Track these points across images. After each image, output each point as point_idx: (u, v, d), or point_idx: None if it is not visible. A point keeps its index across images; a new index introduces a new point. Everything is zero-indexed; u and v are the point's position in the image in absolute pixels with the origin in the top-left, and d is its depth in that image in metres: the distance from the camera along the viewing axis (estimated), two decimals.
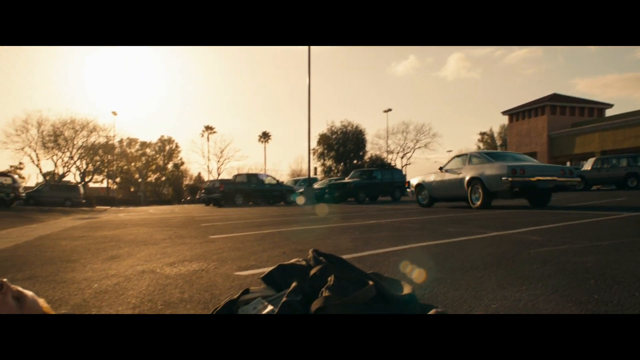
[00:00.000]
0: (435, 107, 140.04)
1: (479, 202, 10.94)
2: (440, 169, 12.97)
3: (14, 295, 1.48)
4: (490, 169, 10.71)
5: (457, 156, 12.78)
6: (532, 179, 10.06)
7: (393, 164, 62.24)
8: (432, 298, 2.43)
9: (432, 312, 1.38)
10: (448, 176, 12.36)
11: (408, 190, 15.90)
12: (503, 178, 10.11)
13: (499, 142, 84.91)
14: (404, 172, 28.73)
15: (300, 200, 4.86)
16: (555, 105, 50.61)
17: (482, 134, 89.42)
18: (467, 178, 11.33)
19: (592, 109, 52.29)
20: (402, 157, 70.80)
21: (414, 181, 14.38)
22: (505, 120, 59.20)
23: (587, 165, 25.76)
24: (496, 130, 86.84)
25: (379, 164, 52.62)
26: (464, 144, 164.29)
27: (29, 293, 1.54)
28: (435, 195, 13.17)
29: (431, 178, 13.19)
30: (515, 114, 55.66)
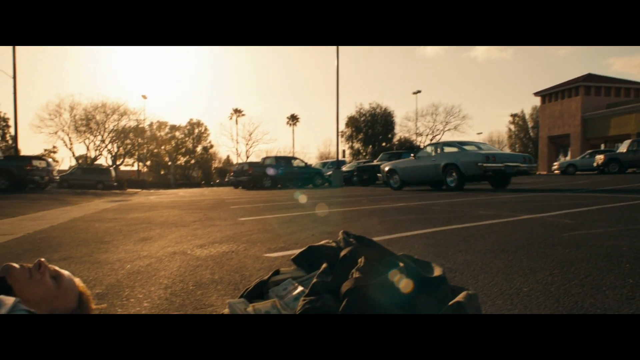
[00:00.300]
0: (466, 88, 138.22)
1: (454, 184, 12.64)
2: (414, 156, 14.63)
3: (51, 274, 1.52)
4: (466, 156, 12.45)
5: (429, 145, 14.74)
6: (501, 165, 11.88)
7: (422, 146, 61.73)
8: (462, 281, 2.41)
9: (463, 294, 1.36)
10: (421, 162, 13.99)
11: (379, 175, 17.73)
12: (479, 164, 11.84)
13: (530, 124, 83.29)
14: None
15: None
16: (590, 86, 49.28)
17: (513, 115, 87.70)
18: (442, 164, 12.95)
19: (629, 90, 50.66)
20: (431, 140, 70.07)
21: (385, 166, 15.90)
22: (537, 101, 57.95)
23: (623, 148, 25.14)
24: (527, 112, 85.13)
25: (408, 146, 52.29)
26: (494, 126, 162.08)
27: (65, 273, 1.58)
28: (406, 180, 14.79)
29: (403, 164, 14.86)
30: (547, 95, 54.43)
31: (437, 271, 1.56)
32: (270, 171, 13.43)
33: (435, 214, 5.92)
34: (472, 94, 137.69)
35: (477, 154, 12.27)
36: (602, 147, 45.67)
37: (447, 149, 13.49)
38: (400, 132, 66.66)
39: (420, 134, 68.32)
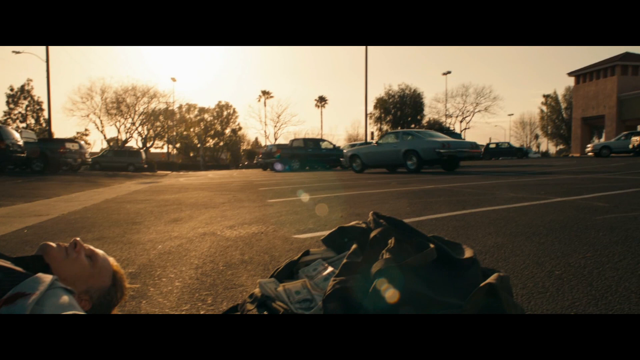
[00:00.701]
0: (497, 69, 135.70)
1: (413, 167, 14.82)
2: (377, 143, 16.81)
3: (86, 253, 1.56)
4: (425, 144, 14.53)
5: (389, 133, 16.84)
6: (454, 150, 14.03)
7: (452, 128, 60.98)
8: (492, 263, 2.39)
9: (494, 276, 1.35)
10: (383, 148, 16.10)
11: (342, 159, 19.83)
12: (436, 150, 13.98)
13: (563, 105, 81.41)
14: (463, 137, 28.12)
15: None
16: (627, 65, 47.88)
17: (546, 96, 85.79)
18: (403, 150, 15.07)
19: None
20: (461, 121, 69.18)
21: (348, 152, 18.00)
22: (571, 81, 56.81)
23: None
24: (561, 92, 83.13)
25: (437, 128, 51.73)
26: (525, 107, 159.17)
27: (100, 252, 1.61)
28: (367, 163, 16.94)
29: (365, 150, 17.00)
30: (582, 75, 53.15)
31: (468, 253, 1.54)
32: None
33: (465, 196, 5.87)
34: (503, 75, 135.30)
35: (435, 141, 14.35)
36: (639, 128, 44.45)
37: (407, 137, 15.66)
38: (430, 113, 66.02)
39: (450, 116, 67.60)
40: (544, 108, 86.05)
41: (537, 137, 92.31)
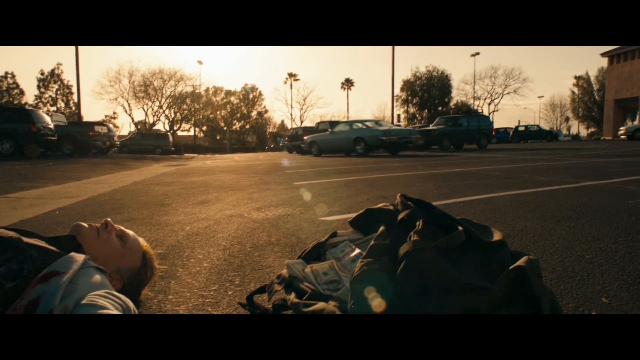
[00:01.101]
0: (527, 49, 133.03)
1: (362, 152, 17.51)
2: (331, 131, 19.52)
3: (117, 233, 1.58)
4: (370, 132, 17.40)
5: (342, 122, 20.38)
6: (395, 137, 16.96)
7: (480, 110, 60.14)
8: (521, 247, 2.37)
9: (524, 259, 1.33)
10: (337, 136, 18.88)
11: (302, 145, 23.58)
12: (379, 137, 16.81)
13: (595, 87, 79.36)
14: (491, 119, 27.73)
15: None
16: None
17: (577, 77, 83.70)
18: (353, 137, 17.89)
19: None
20: (489, 104, 68.14)
21: (308, 139, 21.19)
22: (604, 62, 55.38)
23: None
24: (593, 73, 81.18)
25: (465, 110, 51.09)
26: (556, 89, 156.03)
27: (130, 232, 1.64)
28: (323, 149, 19.87)
29: (322, 137, 19.94)
30: (616, 56, 51.72)
31: (497, 235, 1.53)
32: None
33: (493, 180, 5.80)
34: (533, 56, 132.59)
35: (379, 130, 17.23)
36: None
37: (356, 126, 18.48)
38: (457, 95, 65.27)
39: (478, 98, 66.64)
40: (575, 90, 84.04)
41: (567, 119, 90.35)
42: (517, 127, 45.35)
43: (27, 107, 31.57)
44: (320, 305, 1.24)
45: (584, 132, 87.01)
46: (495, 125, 42.73)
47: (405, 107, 64.02)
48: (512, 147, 24.50)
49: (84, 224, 1.50)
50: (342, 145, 18.76)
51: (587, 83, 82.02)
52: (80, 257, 1.28)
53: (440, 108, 60.74)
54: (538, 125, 47.07)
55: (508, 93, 67.98)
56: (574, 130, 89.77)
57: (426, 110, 61.88)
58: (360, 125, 18.45)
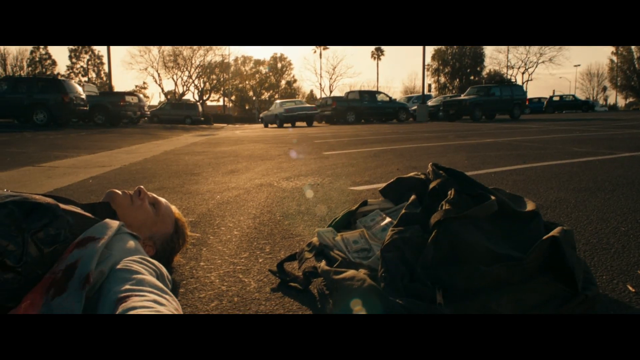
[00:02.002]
0: None
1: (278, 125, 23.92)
2: (268, 110, 26.51)
3: (150, 201, 1.60)
4: (280, 109, 23.94)
5: (277, 100, 27.06)
6: (302, 113, 23.44)
7: (513, 80, 58.79)
8: (554, 218, 2.33)
9: (558, 229, 1.31)
10: (272, 112, 25.36)
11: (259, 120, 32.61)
12: (285, 113, 23.19)
13: (636, 54, 76.37)
14: (525, 89, 27.11)
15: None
16: None
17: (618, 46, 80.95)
18: (276, 113, 24.21)
19: None
20: (523, 73, 66.50)
21: (262, 115, 28.74)
22: None
23: None
24: None
25: (498, 80, 50.03)
26: (594, 58, 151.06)
27: (163, 200, 1.66)
28: (267, 122, 26.73)
29: (266, 114, 27.11)
30: None
31: (530, 205, 1.50)
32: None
33: (525, 150, 5.70)
34: None
35: (285, 107, 23.70)
36: None
37: (278, 104, 25.11)
38: (490, 65, 64.18)
39: (512, 67, 65.10)
40: (614, 58, 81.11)
41: (604, 89, 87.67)
42: (551, 97, 44.34)
43: (59, 77, 31.97)
44: (351, 272, 1.24)
45: (621, 103, 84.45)
46: (529, 95, 41.70)
47: (437, 77, 63.08)
48: (546, 117, 24.01)
49: (117, 191, 1.52)
50: (271, 120, 25.45)
51: (627, 51, 79.04)
52: (114, 224, 1.30)
53: (472, 77, 59.69)
54: (573, 95, 45.87)
55: (543, 62, 66.38)
56: (611, 101, 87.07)
57: (457, 80, 60.89)
58: (281, 103, 25.31)
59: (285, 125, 23.64)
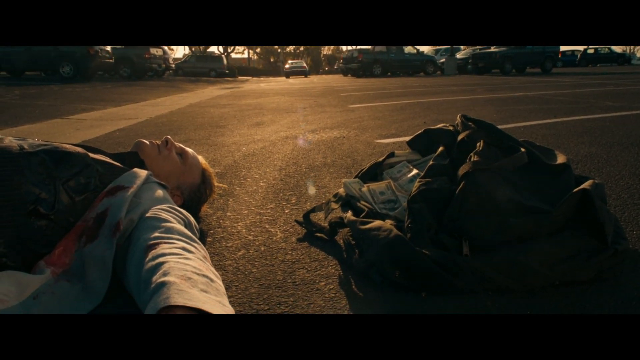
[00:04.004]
0: None
1: None
2: None
3: (177, 151, 1.61)
4: (288, 67, 34.05)
5: (288, 62, 40.23)
6: (294, 69, 35.30)
7: None
8: (584, 173, 2.28)
9: (589, 182, 1.29)
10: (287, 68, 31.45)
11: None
12: (287, 70, 32.28)
13: None
14: None
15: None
16: None
17: None
18: (285, 68, 33.89)
19: None
20: None
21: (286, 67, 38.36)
22: None
23: None
24: None
25: None
26: None
27: (190, 150, 1.66)
28: (288, 74, 28.88)
29: (286, 67, 30.47)
30: None
31: (561, 158, 1.47)
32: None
33: (556, 105, 5.57)
34: None
35: (293, 66, 32.60)
36: None
37: (290, 64, 29.57)
38: None
39: None
40: None
41: None
42: (585, 50, 42.92)
43: None
44: (377, 223, 1.24)
45: None
46: (562, 48, 40.47)
47: None
48: (579, 70, 23.32)
49: (145, 141, 1.53)
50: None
51: None
52: (143, 173, 1.31)
53: None
54: (609, 48, 44.34)
55: None
56: None
57: None
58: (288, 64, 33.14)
59: (290, 77, 34.73)
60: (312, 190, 1.94)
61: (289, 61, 41.66)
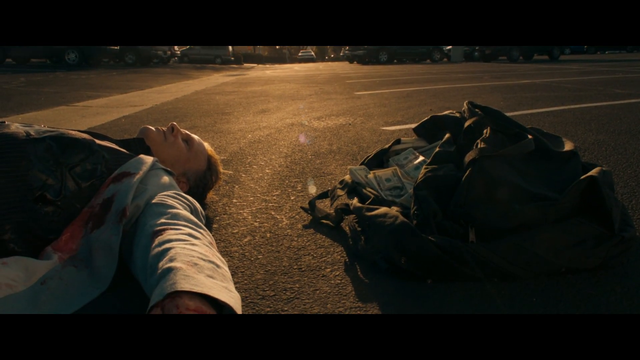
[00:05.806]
0: None
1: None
2: None
3: (183, 137, 1.61)
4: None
5: (300, 52, 47.86)
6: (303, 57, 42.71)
7: None
8: (592, 160, 2.27)
9: (596, 169, 1.28)
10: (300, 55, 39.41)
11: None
12: (297, 57, 38.45)
13: None
14: None
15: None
16: None
17: None
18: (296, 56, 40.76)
19: None
20: None
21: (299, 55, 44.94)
22: None
23: None
24: None
25: None
26: None
27: (195, 137, 1.66)
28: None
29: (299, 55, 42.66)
30: None
31: (568, 145, 1.46)
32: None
33: (564, 92, 5.53)
34: None
35: (303, 55, 39.54)
36: None
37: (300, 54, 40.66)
38: None
39: None
40: None
41: None
42: None
43: None
44: (383, 209, 1.24)
45: None
46: None
47: None
48: (587, 58, 23.13)
49: (151, 127, 1.53)
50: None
51: None
52: (149, 159, 1.31)
53: None
54: None
55: None
56: None
57: None
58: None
59: (301, 63, 39.26)
60: (312, 189, 1.94)
61: (300, 52, 47.38)
